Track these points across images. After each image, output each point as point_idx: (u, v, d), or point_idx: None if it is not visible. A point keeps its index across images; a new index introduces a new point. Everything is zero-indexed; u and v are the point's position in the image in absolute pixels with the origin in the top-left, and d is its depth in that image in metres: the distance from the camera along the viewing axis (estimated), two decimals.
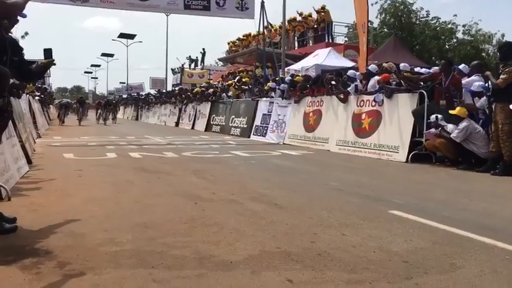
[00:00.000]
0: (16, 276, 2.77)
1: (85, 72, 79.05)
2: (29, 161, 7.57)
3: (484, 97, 8.04)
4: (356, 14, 13.77)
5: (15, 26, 4.13)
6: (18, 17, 3.84)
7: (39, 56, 4.33)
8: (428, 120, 8.42)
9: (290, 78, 14.65)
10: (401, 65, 10.78)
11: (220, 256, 3.19)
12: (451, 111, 8.12)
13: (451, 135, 7.92)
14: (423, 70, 10.93)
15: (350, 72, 11.74)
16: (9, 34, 3.86)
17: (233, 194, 5.48)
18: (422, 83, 9.40)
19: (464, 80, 8.85)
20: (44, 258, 3.06)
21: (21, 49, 3.94)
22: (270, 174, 7.36)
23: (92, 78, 79.83)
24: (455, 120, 8.05)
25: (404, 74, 9.91)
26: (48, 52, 4.18)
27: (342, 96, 11.13)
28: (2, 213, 3.79)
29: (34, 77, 4.68)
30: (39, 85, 24.19)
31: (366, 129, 10.23)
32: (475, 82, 8.32)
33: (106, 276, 2.79)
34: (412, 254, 3.28)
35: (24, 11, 3.91)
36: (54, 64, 4.24)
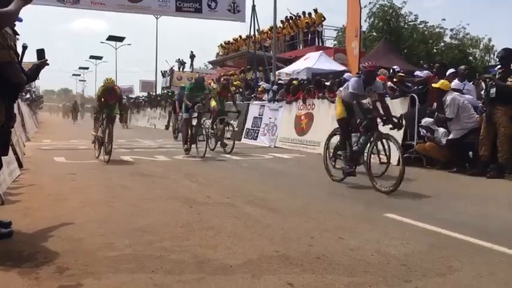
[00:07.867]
0: (15, 282, 2.74)
1: (73, 74, 78.07)
2: (20, 165, 7.48)
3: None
4: (348, 18, 13.87)
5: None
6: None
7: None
8: (420, 124, 8.51)
9: (287, 81, 14.68)
10: (395, 67, 10.82)
11: (218, 260, 3.19)
12: (434, 85, 8.16)
13: (446, 115, 7.92)
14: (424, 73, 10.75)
15: (346, 75, 11.81)
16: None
17: (228, 198, 5.48)
18: (415, 87, 9.45)
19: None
20: (43, 263, 3.03)
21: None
22: (264, 177, 7.37)
23: (80, 80, 78.80)
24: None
25: (400, 75, 9.92)
26: (41, 53, 4.15)
27: (332, 97, 11.17)
28: None
29: (29, 79, 4.63)
30: (28, 87, 23.92)
31: None
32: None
33: (106, 281, 2.77)
34: (410, 257, 3.31)
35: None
36: (48, 64, 4.21)
